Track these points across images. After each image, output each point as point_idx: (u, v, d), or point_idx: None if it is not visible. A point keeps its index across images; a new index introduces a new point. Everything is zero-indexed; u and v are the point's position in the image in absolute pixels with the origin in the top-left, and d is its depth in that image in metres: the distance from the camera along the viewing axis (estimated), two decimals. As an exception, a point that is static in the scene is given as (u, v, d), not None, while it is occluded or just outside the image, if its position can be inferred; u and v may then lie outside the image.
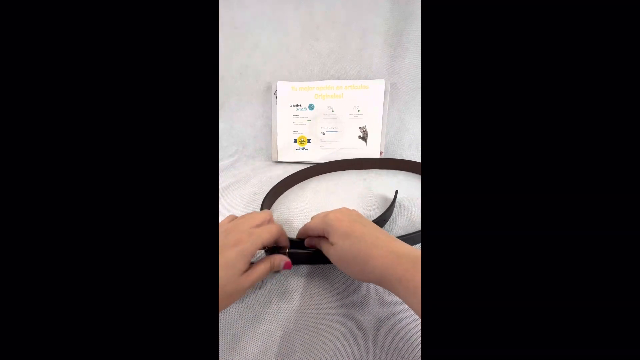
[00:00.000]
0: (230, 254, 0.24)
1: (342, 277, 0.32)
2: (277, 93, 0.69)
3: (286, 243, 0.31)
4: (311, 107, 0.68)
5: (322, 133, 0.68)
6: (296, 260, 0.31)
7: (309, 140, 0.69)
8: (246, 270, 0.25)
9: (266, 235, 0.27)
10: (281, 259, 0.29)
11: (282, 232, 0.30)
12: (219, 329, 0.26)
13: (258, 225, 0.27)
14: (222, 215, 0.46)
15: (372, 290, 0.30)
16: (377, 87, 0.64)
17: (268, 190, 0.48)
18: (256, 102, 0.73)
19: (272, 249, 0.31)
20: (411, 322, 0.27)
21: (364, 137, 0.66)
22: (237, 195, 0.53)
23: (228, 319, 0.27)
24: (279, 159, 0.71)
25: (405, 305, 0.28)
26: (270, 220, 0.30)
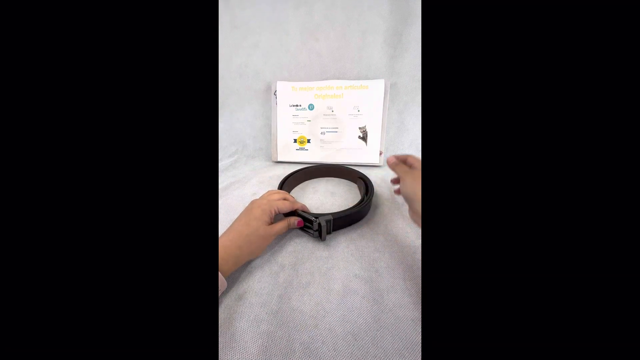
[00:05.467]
0: (256, 212, 0.35)
1: (342, 277, 0.32)
2: (277, 93, 0.69)
3: (300, 208, 0.40)
4: (311, 107, 0.68)
5: (322, 133, 0.68)
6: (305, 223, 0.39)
7: (308, 140, 0.69)
8: (270, 224, 0.36)
9: (279, 203, 0.38)
10: (295, 219, 0.39)
11: (292, 205, 0.40)
12: (219, 329, 0.27)
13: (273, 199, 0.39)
14: (222, 215, 0.46)
15: (373, 290, 0.30)
16: (377, 87, 0.64)
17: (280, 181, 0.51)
18: (256, 102, 0.73)
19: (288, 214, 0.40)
20: (411, 322, 0.27)
21: (363, 137, 0.66)
22: (237, 195, 0.53)
23: (228, 319, 0.27)
24: (278, 159, 0.71)
25: (405, 306, 0.28)
26: (285, 198, 0.41)
